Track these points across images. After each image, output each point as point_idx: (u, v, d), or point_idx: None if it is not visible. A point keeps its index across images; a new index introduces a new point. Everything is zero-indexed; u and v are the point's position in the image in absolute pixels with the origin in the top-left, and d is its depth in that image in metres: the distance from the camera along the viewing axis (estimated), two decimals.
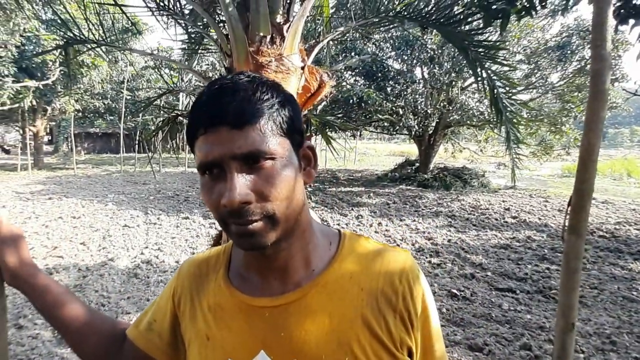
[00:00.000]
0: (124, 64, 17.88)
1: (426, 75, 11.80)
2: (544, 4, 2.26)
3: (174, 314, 0.69)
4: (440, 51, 10.95)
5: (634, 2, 2.14)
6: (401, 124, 11.91)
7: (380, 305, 0.59)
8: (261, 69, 2.03)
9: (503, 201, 9.68)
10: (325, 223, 7.17)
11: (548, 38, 11.00)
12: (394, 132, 13.93)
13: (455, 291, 4.24)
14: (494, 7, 2.17)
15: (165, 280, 4.54)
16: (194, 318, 0.65)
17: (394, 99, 10.92)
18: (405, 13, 2.71)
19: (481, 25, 2.57)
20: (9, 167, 16.57)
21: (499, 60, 2.83)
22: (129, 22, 3.58)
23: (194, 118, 0.55)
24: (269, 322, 0.59)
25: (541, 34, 11.08)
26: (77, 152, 19.56)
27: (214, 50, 3.87)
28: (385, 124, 12.35)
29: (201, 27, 3.04)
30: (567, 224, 1.35)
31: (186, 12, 3.04)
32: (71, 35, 2.84)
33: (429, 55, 11.18)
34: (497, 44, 2.97)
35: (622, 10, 2.18)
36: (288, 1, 2.25)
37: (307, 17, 2.26)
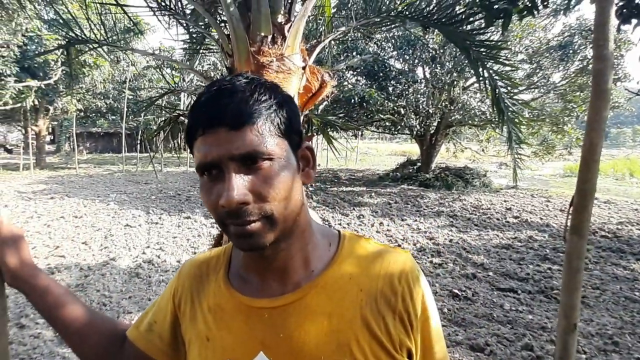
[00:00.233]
0: (126, 64, 17.93)
1: (428, 75, 11.79)
2: (546, 3, 2.25)
3: (174, 315, 0.69)
4: (441, 51, 10.94)
5: (636, 1, 2.13)
6: (403, 124, 11.90)
7: (379, 307, 0.59)
8: (262, 69, 2.03)
9: (505, 201, 9.66)
10: (326, 223, 7.18)
11: (550, 37, 10.96)
12: (396, 132, 13.93)
13: (456, 291, 4.23)
14: (496, 6, 2.16)
15: (166, 280, 4.55)
16: (194, 319, 0.65)
17: (395, 99, 10.92)
18: (407, 13, 2.71)
19: (483, 25, 2.56)
20: (12, 167, 16.63)
21: (500, 60, 2.82)
22: (131, 22, 3.59)
23: (192, 119, 0.55)
24: (268, 323, 0.59)
25: (543, 34, 11.05)
26: (79, 151, 19.61)
27: (215, 50, 3.88)
28: (387, 123, 12.35)
29: (202, 27, 3.04)
30: (569, 224, 1.34)
31: (187, 12, 3.05)
32: (73, 35, 2.85)
33: (430, 55, 11.17)
34: (499, 43, 2.96)
35: (624, 10, 2.17)
36: (289, 1, 2.25)
37: (309, 16, 2.26)
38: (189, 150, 0.60)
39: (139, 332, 0.72)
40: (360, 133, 19.37)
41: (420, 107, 11.46)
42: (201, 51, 3.80)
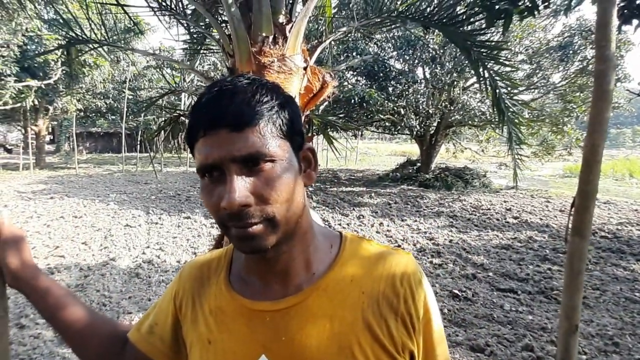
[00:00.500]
0: (126, 64, 17.92)
1: (428, 75, 11.78)
2: (546, 3, 2.25)
3: (175, 317, 0.69)
4: (442, 51, 10.94)
5: (637, 2, 2.13)
6: (403, 124, 11.90)
7: (381, 309, 0.58)
8: (263, 70, 2.02)
9: (504, 201, 9.66)
10: (326, 223, 7.17)
11: (550, 38, 10.96)
12: (396, 132, 13.92)
13: (456, 292, 4.23)
14: (497, 7, 2.17)
15: (166, 280, 4.55)
16: (195, 321, 0.65)
17: (395, 99, 10.92)
18: (408, 13, 2.70)
19: (483, 26, 2.56)
20: (11, 167, 16.62)
21: (501, 60, 2.82)
22: (131, 21, 3.58)
23: (193, 120, 0.55)
24: (269, 326, 0.59)
25: (543, 34, 11.05)
26: (78, 151, 19.60)
27: (216, 51, 3.88)
28: (387, 123, 12.35)
29: (203, 27, 3.04)
30: (570, 225, 1.34)
31: (188, 12, 3.04)
32: (73, 35, 2.85)
33: (430, 55, 11.17)
34: (499, 44, 2.97)
35: (625, 10, 2.16)
36: (290, 1, 2.25)
37: (310, 17, 2.26)
38: (189, 151, 0.59)
39: (140, 334, 0.71)
40: (360, 133, 19.34)
41: (420, 107, 11.46)
42: (202, 51, 3.80)
